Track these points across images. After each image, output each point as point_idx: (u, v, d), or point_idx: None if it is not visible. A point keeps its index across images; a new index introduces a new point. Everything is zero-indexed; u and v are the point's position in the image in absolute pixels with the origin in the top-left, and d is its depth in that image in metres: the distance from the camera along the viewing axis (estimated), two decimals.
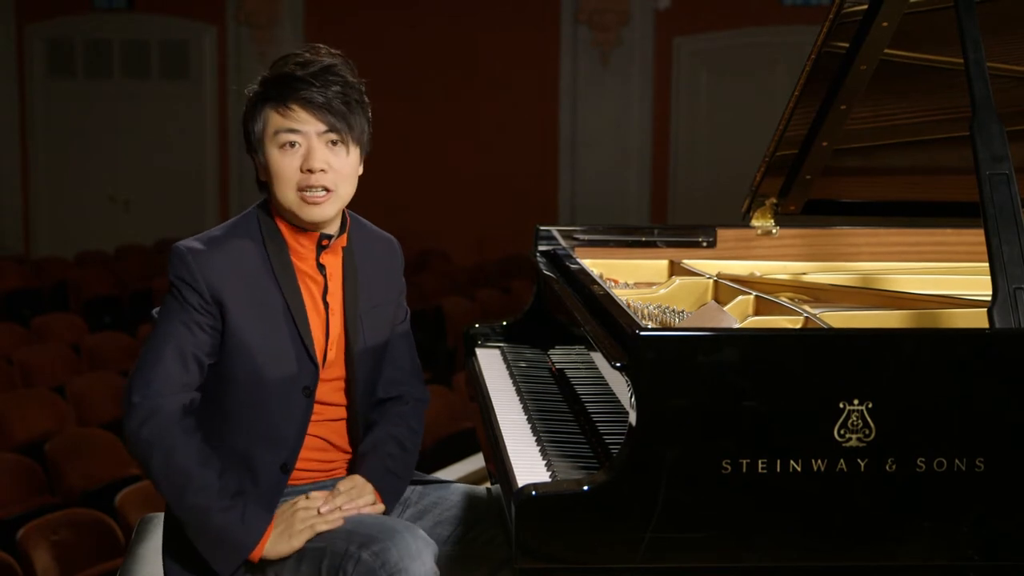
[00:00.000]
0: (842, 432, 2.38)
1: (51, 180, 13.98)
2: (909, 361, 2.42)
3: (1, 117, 13.93)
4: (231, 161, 13.44)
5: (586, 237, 3.82)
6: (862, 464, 2.39)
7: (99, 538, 4.51)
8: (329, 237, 2.73)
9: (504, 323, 3.79)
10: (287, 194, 2.64)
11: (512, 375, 3.46)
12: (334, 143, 2.65)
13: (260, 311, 2.67)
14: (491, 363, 3.55)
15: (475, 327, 3.81)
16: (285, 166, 2.63)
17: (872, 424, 2.38)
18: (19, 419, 6.13)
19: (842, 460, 2.39)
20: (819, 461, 2.39)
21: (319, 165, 2.62)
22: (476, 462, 5.91)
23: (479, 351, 3.70)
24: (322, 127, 2.62)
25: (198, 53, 13.57)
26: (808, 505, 2.40)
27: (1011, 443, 2.42)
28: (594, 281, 3.13)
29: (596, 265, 3.68)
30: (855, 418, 2.38)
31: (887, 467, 2.39)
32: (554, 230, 3.79)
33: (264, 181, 2.71)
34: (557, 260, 3.57)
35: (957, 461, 2.41)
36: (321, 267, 2.74)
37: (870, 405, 2.38)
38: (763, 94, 10.94)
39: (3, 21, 13.87)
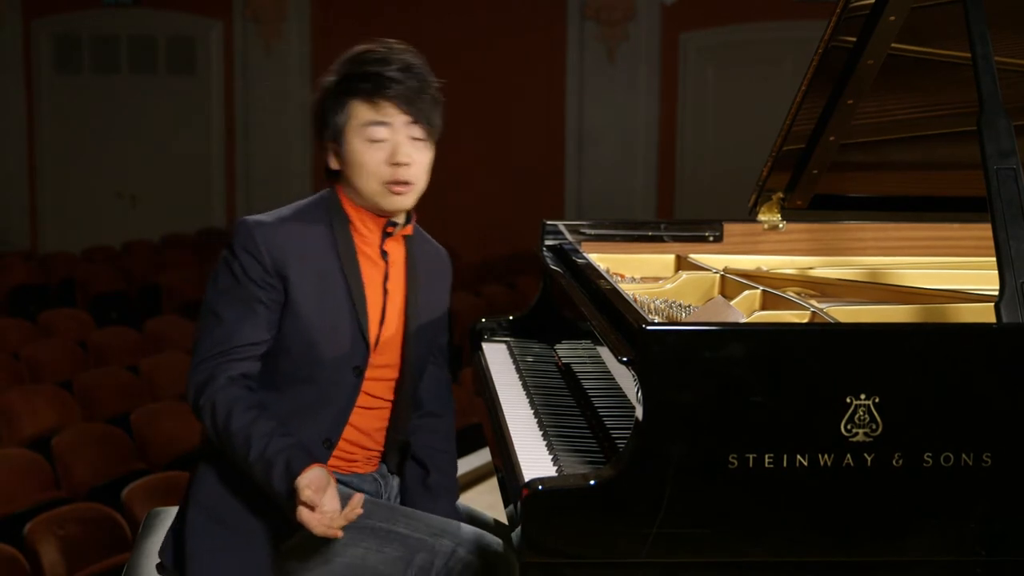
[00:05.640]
0: (849, 427, 2.38)
1: (58, 175, 13.99)
2: (916, 356, 2.42)
3: (8, 113, 13.94)
4: (237, 156, 13.44)
5: (592, 232, 3.82)
6: (869, 459, 2.39)
7: (106, 533, 4.52)
8: (395, 224, 2.82)
9: (511, 318, 3.80)
10: (370, 184, 2.74)
11: (518, 370, 3.46)
12: (417, 139, 2.76)
13: (320, 288, 2.73)
14: (497, 358, 3.56)
15: (481, 322, 3.81)
16: (371, 159, 2.72)
17: (879, 419, 2.38)
18: (26, 414, 6.14)
19: (849, 455, 2.38)
20: (826, 456, 2.38)
21: (405, 159, 2.72)
22: (482, 456, 5.91)
23: (485, 346, 3.70)
24: (408, 123, 2.73)
25: (205, 49, 13.57)
26: (815, 500, 2.40)
27: (1018, 438, 2.42)
28: (600, 276, 3.13)
29: (602, 259, 3.68)
30: (862, 413, 2.38)
31: (894, 462, 2.39)
32: (560, 225, 3.79)
33: (336, 169, 2.78)
34: (563, 255, 3.57)
35: (964, 456, 2.41)
36: (384, 253, 2.82)
37: (877, 400, 2.38)
38: (770, 89, 10.92)
39: (10, 16, 13.87)
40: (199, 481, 2.78)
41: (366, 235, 2.80)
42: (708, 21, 12.22)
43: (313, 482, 2.55)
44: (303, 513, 2.54)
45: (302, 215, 2.78)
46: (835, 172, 3.68)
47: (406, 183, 2.74)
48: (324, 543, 2.68)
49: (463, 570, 2.69)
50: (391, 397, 2.87)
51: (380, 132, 2.72)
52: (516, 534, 2.43)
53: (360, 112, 2.72)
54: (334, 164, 2.78)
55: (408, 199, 2.77)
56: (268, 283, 2.68)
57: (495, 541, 2.77)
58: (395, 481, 2.97)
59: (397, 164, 2.72)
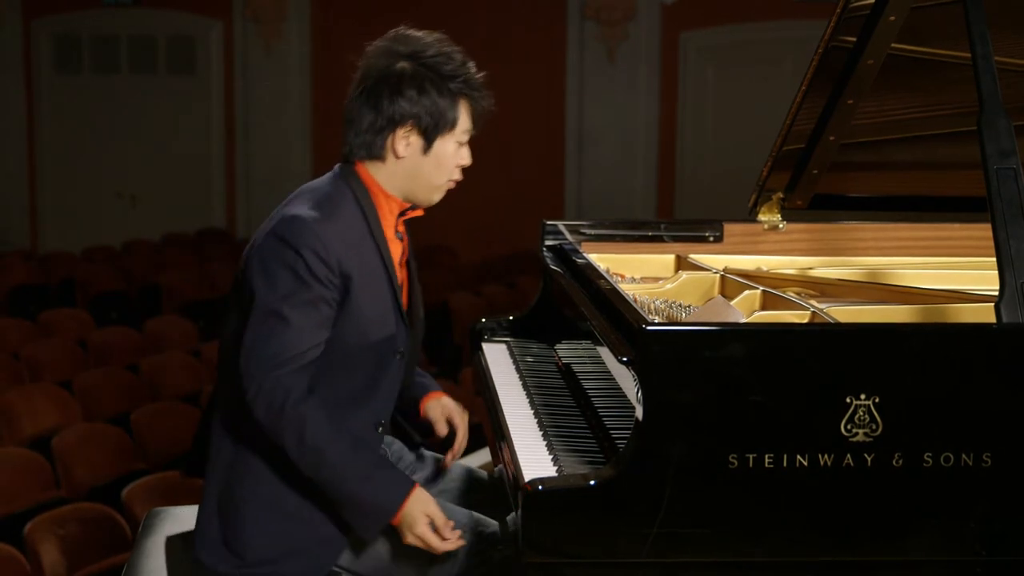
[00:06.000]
0: (849, 427, 2.38)
1: (58, 175, 13.97)
2: (916, 356, 2.42)
3: (8, 113, 13.92)
4: (237, 156, 13.43)
5: (592, 232, 3.82)
6: (869, 459, 2.39)
7: (106, 532, 4.51)
8: (412, 207, 2.88)
9: (511, 318, 3.80)
10: (439, 179, 2.83)
11: (519, 370, 3.46)
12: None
13: (370, 278, 2.77)
14: (498, 358, 3.56)
15: (482, 322, 3.82)
16: (454, 160, 2.84)
17: (879, 419, 2.38)
18: (26, 414, 6.13)
19: (849, 455, 2.39)
20: (826, 456, 2.38)
21: (469, 162, 2.88)
22: (483, 456, 5.91)
23: (486, 346, 3.70)
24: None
25: (205, 48, 13.55)
26: (815, 500, 2.40)
27: (1018, 438, 2.42)
28: (601, 276, 3.13)
29: (603, 260, 3.68)
30: (862, 413, 2.38)
31: (894, 462, 2.39)
32: (560, 225, 3.79)
33: (398, 155, 2.80)
34: (564, 255, 3.57)
35: (964, 456, 2.41)
36: (399, 234, 2.88)
37: (877, 400, 2.38)
38: (770, 89, 10.91)
39: (10, 17, 13.85)
40: (258, 478, 2.78)
41: (388, 217, 2.84)
42: (708, 21, 12.21)
43: (439, 511, 2.70)
44: (428, 535, 2.68)
45: (338, 204, 2.77)
46: (835, 172, 3.68)
47: (455, 184, 2.88)
48: (366, 542, 2.80)
49: (480, 564, 2.79)
50: None
51: (466, 138, 2.86)
52: (516, 531, 2.43)
53: (466, 118, 2.85)
54: (403, 151, 2.79)
55: None
56: (332, 282, 2.69)
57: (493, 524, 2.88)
58: (388, 439, 3.04)
59: (461, 167, 2.86)
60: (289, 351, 2.65)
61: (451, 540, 2.69)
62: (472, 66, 2.86)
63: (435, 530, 2.68)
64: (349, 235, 2.73)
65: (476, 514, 2.89)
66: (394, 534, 2.77)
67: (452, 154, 2.81)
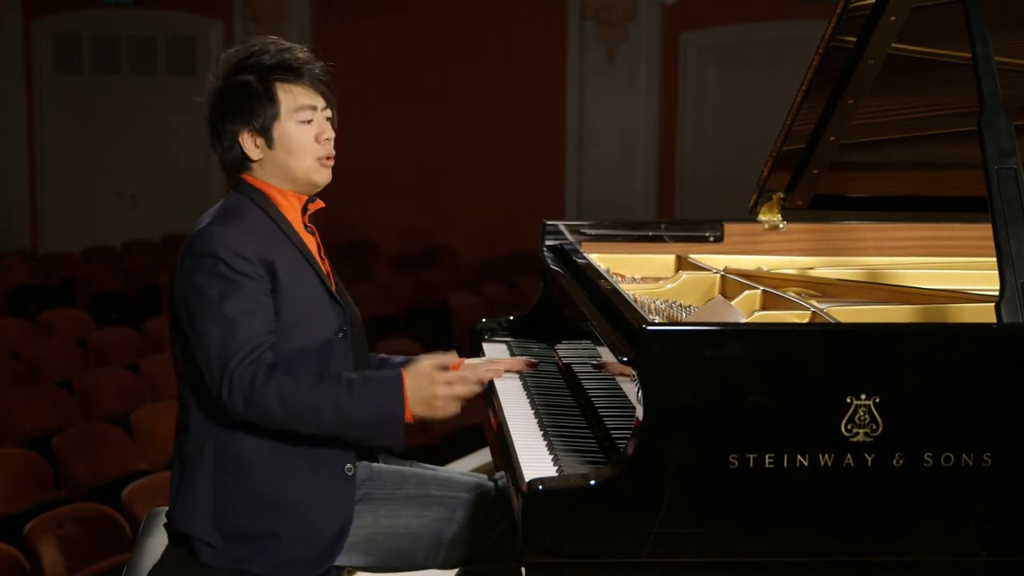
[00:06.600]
0: (849, 427, 2.38)
1: (58, 175, 13.99)
2: (916, 356, 2.42)
3: (8, 112, 13.93)
4: None
5: (593, 232, 3.82)
6: (869, 459, 2.39)
7: (106, 532, 4.52)
8: (313, 200, 2.95)
9: (511, 317, 3.80)
10: (306, 161, 2.87)
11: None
12: (329, 119, 2.93)
13: (293, 268, 2.84)
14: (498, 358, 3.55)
15: (482, 321, 3.81)
16: (306, 139, 2.87)
17: (879, 419, 2.38)
18: (26, 414, 6.14)
19: (849, 455, 2.39)
20: (826, 456, 2.38)
21: (331, 135, 2.90)
22: (483, 457, 5.91)
23: (486, 346, 3.70)
24: (324, 104, 2.91)
25: (205, 48, 13.56)
26: (815, 500, 2.40)
27: (1019, 438, 2.42)
28: (601, 276, 3.13)
29: (603, 260, 3.68)
30: (862, 413, 2.38)
31: (894, 462, 2.39)
32: (561, 225, 3.79)
33: (255, 159, 2.87)
34: (564, 255, 3.57)
35: (964, 456, 2.41)
36: (308, 227, 2.94)
37: (877, 400, 2.38)
38: (770, 89, 10.92)
39: (10, 16, 13.87)
40: (254, 480, 2.80)
41: (292, 212, 2.91)
42: (708, 21, 12.22)
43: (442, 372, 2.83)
44: (449, 391, 2.81)
45: (239, 212, 2.85)
46: (835, 172, 3.68)
47: (331, 156, 2.90)
48: (368, 526, 2.84)
49: (488, 528, 2.89)
50: None
51: (309, 114, 2.86)
52: (517, 533, 2.43)
53: (291, 98, 2.85)
54: (256, 153, 2.86)
55: (330, 171, 2.93)
56: (258, 273, 2.76)
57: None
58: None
59: (327, 140, 2.89)
60: (246, 347, 2.70)
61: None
62: (293, 48, 2.89)
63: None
64: (257, 232, 2.81)
65: (475, 476, 2.99)
66: (393, 515, 2.85)
67: (299, 135, 2.85)
